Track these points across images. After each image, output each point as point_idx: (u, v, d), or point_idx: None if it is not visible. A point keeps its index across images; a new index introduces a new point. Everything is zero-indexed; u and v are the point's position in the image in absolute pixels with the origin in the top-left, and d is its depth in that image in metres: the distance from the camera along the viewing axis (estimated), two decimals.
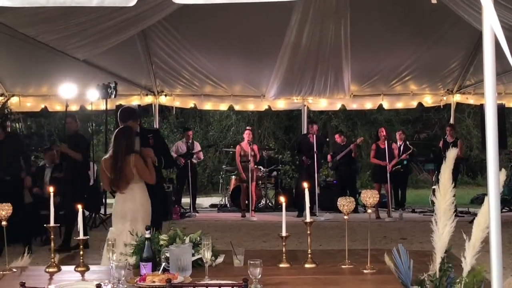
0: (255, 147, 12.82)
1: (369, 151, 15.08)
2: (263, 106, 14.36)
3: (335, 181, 14.06)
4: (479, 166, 21.50)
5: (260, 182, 13.71)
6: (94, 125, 16.83)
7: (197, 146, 13.78)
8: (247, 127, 14.37)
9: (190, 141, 13.47)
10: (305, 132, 13.43)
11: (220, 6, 9.18)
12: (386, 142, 12.03)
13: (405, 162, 12.80)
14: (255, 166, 12.88)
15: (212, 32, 11.55)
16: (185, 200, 13.80)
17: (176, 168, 13.50)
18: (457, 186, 3.47)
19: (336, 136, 14.04)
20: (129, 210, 5.52)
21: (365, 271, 3.49)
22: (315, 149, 12.00)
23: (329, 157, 13.92)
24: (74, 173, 8.80)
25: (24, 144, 9.44)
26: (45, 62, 11.11)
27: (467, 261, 3.16)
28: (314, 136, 12.22)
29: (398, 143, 12.89)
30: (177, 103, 14.14)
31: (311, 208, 10.78)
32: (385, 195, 12.21)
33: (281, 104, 14.32)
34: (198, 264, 3.53)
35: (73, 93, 10.29)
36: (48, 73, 12.28)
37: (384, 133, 12.19)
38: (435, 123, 22.79)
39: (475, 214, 3.28)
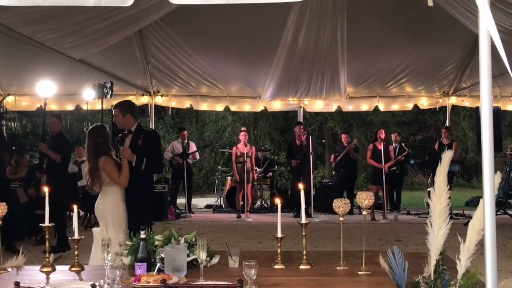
0: (253, 148, 12.80)
1: (364, 153, 15.09)
2: (259, 107, 14.35)
3: (330, 183, 14.07)
4: (475, 169, 21.56)
5: (255, 183, 13.71)
6: (89, 125, 16.77)
7: (193, 146, 13.76)
8: (242, 128, 14.37)
9: (186, 141, 13.45)
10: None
11: (217, 7, 9.18)
12: (382, 143, 12.06)
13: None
14: (255, 169, 12.89)
15: (208, 32, 11.53)
16: (180, 200, 13.78)
17: (172, 169, 13.47)
18: (452, 189, 3.46)
19: (343, 136, 13.97)
20: (98, 211, 5.59)
21: (360, 272, 3.49)
22: (311, 150, 12.01)
23: (332, 158, 13.86)
24: (53, 174, 8.60)
25: None
26: (41, 62, 11.07)
27: (462, 264, 3.16)
28: (304, 137, 12.24)
29: (394, 145, 12.92)
30: (173, 103, 14.12)
31: (306, 210, 10.80)
32: (380, 197, 12.24)
33: (277, 105, 14.32)
34: (193, 265, 3.53)
35: (52, 91, 9.46)
36: (44, 73, 12.21)
37: (383, 135, 12.21)
38: (431, 125, 22.85)
39: (470, 217, 3.29)
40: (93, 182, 5.55)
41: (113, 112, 6.15)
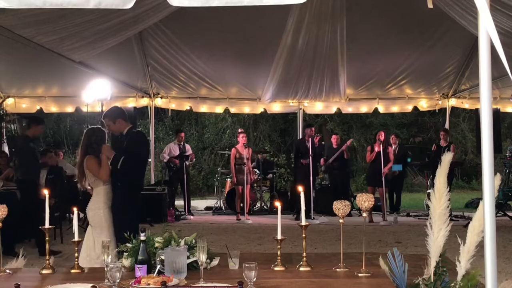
0: (250, 150, 12.75)
1: (364, 155, 15.07)
2: (259, 109, 14.36)
3: (330, 184, 14.03)
4: (474, 170, 21.55)
5: (255, 185, 13.68)
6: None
7: (189, 149, 13.69)
8: (240, 130, 14.34)
9: (182, 143, 13.37)
10: (301, 136, 13.39)
11: (216, 9, 9.18)
12: (381, 145, 12.03)
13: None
14: (253, 170, 12.86)
15: (208, 34, 11.54)
16: (180, 202, 13.76)
17: (169, 171, 13.45)
18: (452, 190, 3.46)
19: (334, 137, 13.70)
20: (87, 209, 5.65)
21: (360, 274, 3.48)
22: (310, 153, 11.97)
23: (322, 160, 13.67)
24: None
25: None
26: (41, 64, 11.08)
27: (462, 265, 3.16)
28: (311, 139, 12.17)
29: (393, 147, 12.89)
30: (172, 105, 14.13)
31: (307, 212, 10.74)
32: (379, 198, 12.20)
33: (276, 107, 14.32)
34: (193, 267, 3.52)
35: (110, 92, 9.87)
36: (44, 75, 12.26)
37: (382, 137, 12.10)
38: (430, 127, 22.85)
39: (470, 218, 3.29)
40: (80, 178, 5.66)
41: (105, 123, 6.12)
